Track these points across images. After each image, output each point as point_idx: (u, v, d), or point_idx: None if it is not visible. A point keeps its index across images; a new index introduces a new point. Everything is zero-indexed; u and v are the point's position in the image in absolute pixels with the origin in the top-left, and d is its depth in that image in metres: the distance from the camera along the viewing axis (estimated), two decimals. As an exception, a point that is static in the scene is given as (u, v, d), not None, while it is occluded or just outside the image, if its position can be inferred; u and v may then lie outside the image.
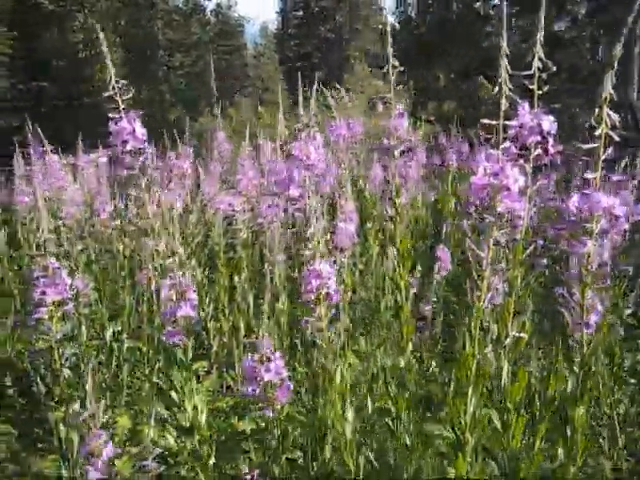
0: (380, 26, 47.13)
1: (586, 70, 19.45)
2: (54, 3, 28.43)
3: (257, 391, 2.09)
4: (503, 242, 1.70)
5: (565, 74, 19.59)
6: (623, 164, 2.78)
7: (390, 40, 2.44)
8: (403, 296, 2.78)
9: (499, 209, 1.64)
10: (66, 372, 2.37)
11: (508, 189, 1.63)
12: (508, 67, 1.63)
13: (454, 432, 1.80)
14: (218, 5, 40.73)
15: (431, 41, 26.60)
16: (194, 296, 2.33)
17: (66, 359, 2.35)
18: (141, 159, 2.23)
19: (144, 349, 4.88)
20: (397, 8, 33.98)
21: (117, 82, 2.18)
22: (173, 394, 2.73)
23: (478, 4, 24.33)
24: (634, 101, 13.55)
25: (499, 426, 1.91)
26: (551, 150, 1.77)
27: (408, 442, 2.76)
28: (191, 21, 34.67)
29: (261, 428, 4.06)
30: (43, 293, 2.20)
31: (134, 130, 2.23)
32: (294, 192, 2.65)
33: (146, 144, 2.27)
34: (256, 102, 35.93)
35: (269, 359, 2.07)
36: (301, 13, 44.62)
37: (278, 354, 2.08)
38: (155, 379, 4.56)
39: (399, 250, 2.73)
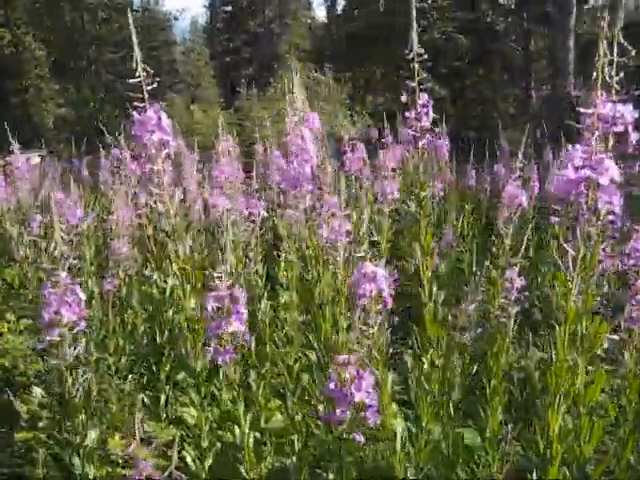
0: (309, 20, 47.01)
1: (519, 59, 19.87)
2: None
3: (346, 412, 1.88)
4: (595, 239, 1.58)
5: (499, 63, 19.99)
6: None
7: (415, 26, 2.30)
8: (427, 294, 2.66)
9: (599, 205, 1.52)
10: (77, 399, 2.13)
11: (604, 183, 1.51)
12: (607, 51, 1.51)
13: (541, 444, 1.68)
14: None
15: (360, 35, 26.70)
16: (243, 309, 2.11)
17: (79, 385, 2.10)
18: (165, 152, 2.03)
19: (110, 360, 4.62)
20: (326, 1, 34.01)
21: (144, 70, 1.98)
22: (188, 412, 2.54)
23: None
24: (571, 90, 13.89)
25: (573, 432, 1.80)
26: (633, 141, 1.66)
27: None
28: (118, 17, 33.63)
29: (256, 439, 3.88)
30: (56, 312, 1.96)
31: (160, 120, 2.04)
32: (308, 187, 2.49)
33: (172, 137, 2.08)
34: (187, 99, 35.24)
35: (360, 377, 1.87)
36: (230, 8, 44.02)
37: (367, 371, 1.88)
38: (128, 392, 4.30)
39: (423, 247, 2.60)
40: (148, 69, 2.07)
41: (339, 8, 37.36)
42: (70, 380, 2.05)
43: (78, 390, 2.08)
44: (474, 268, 5.00)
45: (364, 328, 1.95)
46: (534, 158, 8.28)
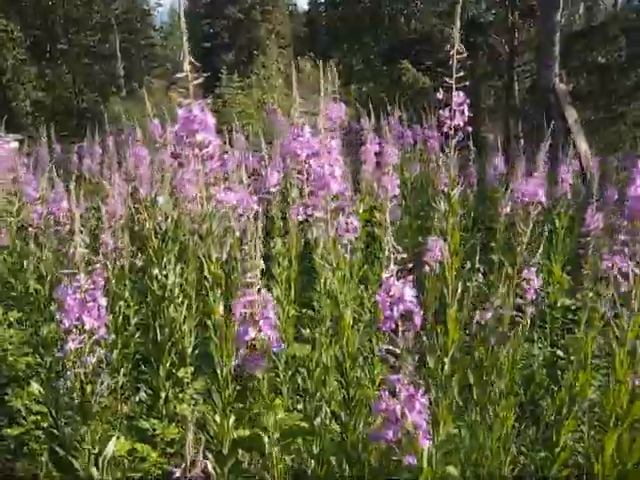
0: (291, 7, 46.64)
1: (503, 52, 19.86)
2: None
3: (396, 434, 1.77)
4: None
5: (484, 56, 20.01)
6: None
7: (458, 23, 2.22)
8: (449, 296, 2.60)
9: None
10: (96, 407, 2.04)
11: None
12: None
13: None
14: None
15: (342, 22, 26.54)
16: (272, 314, 2.02)
17: (98, 393, 2.01)
18: (205, 151, 1.94)
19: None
20: (308, -12, 33.77)
21: (192, 64, 1.88)
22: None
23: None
24: (557, 84, 13.85)
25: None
26: None
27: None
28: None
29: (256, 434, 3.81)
30: (78, 318, 1.86)
31: (206, 119, 1.94)
32: (337, 188, 2.40)
33: (215, 136, 1.99)
34: (167, 84, 34.77)
35: (413, 396, 1.77)
36: (210, -8, 43.49)
37: (422, 391, 1.79)
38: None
39: (449, 245, 2.54)
40: (195, 62, 1.98)
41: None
42: (89, 388, 1.97)
43: (97, 398, 1.99)
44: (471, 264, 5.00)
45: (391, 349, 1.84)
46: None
